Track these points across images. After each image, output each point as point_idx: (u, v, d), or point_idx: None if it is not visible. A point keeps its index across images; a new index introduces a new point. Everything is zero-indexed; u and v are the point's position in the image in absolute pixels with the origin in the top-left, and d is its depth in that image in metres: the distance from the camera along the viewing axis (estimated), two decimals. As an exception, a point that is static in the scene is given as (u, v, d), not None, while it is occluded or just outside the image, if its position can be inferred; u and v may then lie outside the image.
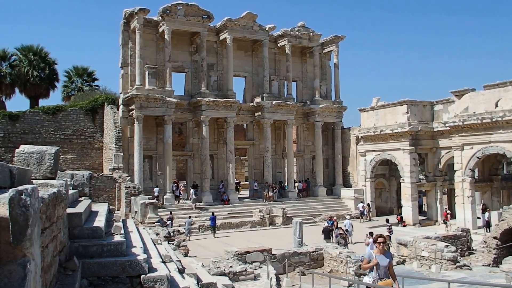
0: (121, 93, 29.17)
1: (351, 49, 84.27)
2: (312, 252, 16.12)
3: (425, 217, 30.12)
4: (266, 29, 31.95)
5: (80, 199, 8.60)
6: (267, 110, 31.37)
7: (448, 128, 27.58)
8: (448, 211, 27.75)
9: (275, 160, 33.57)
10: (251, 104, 32.32)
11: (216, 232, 24.66)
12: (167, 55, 28.45)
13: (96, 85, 39.53)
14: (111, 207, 15.55)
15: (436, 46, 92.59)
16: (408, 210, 29.06)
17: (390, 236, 19.93)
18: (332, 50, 35.59)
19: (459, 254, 16.40)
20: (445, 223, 26.36)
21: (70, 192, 6.82)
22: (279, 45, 33.83)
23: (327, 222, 22.07)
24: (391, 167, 32.72)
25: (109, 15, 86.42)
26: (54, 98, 74.03)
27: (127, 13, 28.18)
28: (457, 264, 15.28)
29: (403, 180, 29.51)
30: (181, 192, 29.66)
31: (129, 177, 25.86)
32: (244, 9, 31.39)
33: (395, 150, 30.02)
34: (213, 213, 25.36)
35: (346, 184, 34.52)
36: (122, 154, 27.70)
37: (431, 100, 30.30)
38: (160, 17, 28.67)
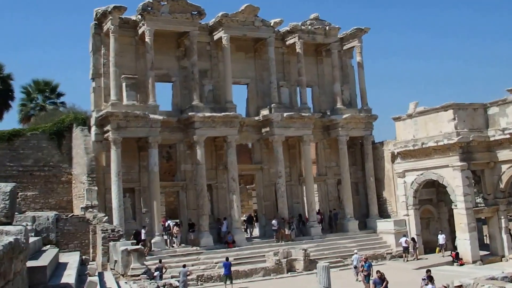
0: (93, 111, 29.22)
1: (377, 45, 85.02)
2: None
3: (488, 252, 29.49)
4: (271, 24, 32.18)
5: (44, 248, 8.39)
6: (277, 125, 31.27)
7: (508, 136, 27.19)
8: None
9: (291, 188, 33.30)
10: (256, 118, 32.27)
11: (219, 283, 24.19)
12: (149, 62, 28.60)
13: (62, 103, 39.87)
14: (84, 256, 15.28)
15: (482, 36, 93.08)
16: (465, 244, 28.45)
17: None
18: (354, 46, 35.72)
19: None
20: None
21: (31, 240, 6.62)
22: (287, 43, 34.00)
23: (363, 265, 21.56)
24: (439, 189, 32.29)
25: (76, 15, 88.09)
26: (9, 121, 74.53)
27: (99, 12, 28.53)
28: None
29: (456, 205, 29.03)
30: (174, 234, 29.33)
31: (106, 218, 25.61)
32: (242, 2, 31.59)
33: (442, 167, 29.67)
34: (227, 258, 25.08)
35: (383, 214, 34.09)
36: (96, 188, 27.51)
37: (484, 102, 30.11)
38: (139, 16, 28.99)
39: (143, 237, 27.04)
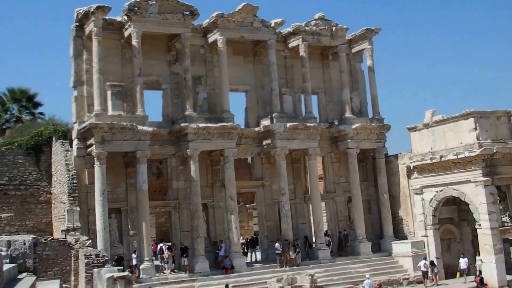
0: (75, 122, 29.24)
1: (389, 47, 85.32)
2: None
3: (516, 277, 29.28)
4: (272, 25, 32.39)
5: (20, 276, 8.35)
6: (279, 136, 31.30)
7: (537, 147, 27.16)
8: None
9: (296, 207, 33.25)
10: (256, 129, 32.33)
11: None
12: (137, 68, 28.72)
13: (40, 113, 39.89)
14: (65, 285, 15.21)
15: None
16: (490, 267, 28.30)
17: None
18: (364, 49, 35.95)
19: None
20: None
21: (6, 267, 6.59)
22: (290, 45, 34.19)
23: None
24: (461, 207, 32.25)
25: (56, 16, 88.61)
26: (-19, 134, 74.64)
27: (80, 13, 28.67)
28: None
29: (480, 225, 28.91)
30: (164, 259, 29.19)
31: (90, 241, 25.44)
32: (239, 1, 31.81)
33: (464, 183, 29.63)
34: (227, 286, 25.02)
35: (399, 235, 34.03)
36: (78, 209, 27.42)
37: (507, 109, 30.18)
38: (125, 17, 29.17)
39: (134, 262, 26.96)
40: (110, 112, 28.13)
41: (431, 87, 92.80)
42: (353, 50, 36.36)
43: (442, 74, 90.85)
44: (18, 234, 26.31)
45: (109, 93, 28.52)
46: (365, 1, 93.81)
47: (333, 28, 34.24)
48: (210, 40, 31.66)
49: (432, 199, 31.55)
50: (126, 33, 29.54)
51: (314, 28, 33.82)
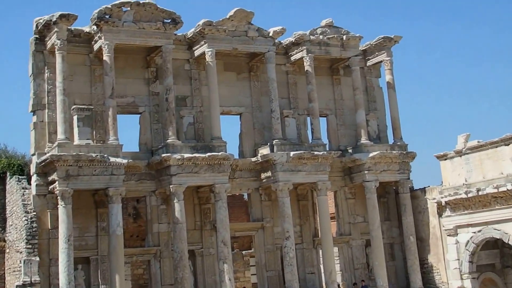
0: (33, 154, 29.20)
1: (410, 58, 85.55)
2: None
3: None
4: (270, 34, 32.60)
5: None
6: (282, 168, 31.23)
7: None
8: None
9: (302, 253, 33.11)
10: (253, 159, 32.31)
11: None
12: (109, 87, 28.75)
13: (-8, 144, 39.79)
14: None
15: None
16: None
17: None
18: (381, 61, 36.17)
19: None
20: None
21: None
22: (292, 58, 34.42)
23: None
24: (504, 251, 32.30)
25: (11, 27, 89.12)
26: None
27: (40, 23, 28.81)
28: None
29: (528, 272, 28.75)
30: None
31: (51, 299, 25.19)
32: (230, 8, 31.99)
33: (507, 221, 29.68)
34: None
35: (429, 286, 33.84)
36: (38, 259, 27.27)
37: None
38: (94, 27, 29.33)
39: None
40: (76, 141, 28.05)
41: (463, 106, 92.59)
42: (369, 63, 36.59)
43: (476, 91, 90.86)
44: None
45: (75, 118, 28.48)
46: (382, 4, 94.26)
47: (344, 37, 34.45)
48: (197, 53, 31.82)
49: (468, 241, 31.44)
50: (95, 46, 29.67)
51: (321, 37, 34.03)
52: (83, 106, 29.03)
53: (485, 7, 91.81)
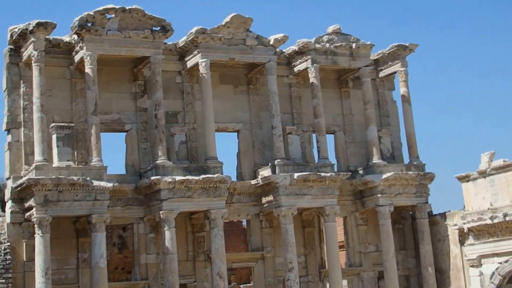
0: (8, 178, 29.28)
1: (428, 68, 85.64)
2: None
3: None
4: (271, 42, 32.69)
5: None
6: (285, 191, 31.20)
7: None
8: None
9: (308, 286, 33.06)
10: (253, 181, 32.30)
11: None
12: (92, 103, 28.74)
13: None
14: None
15: None
16: None
17: None
18: (395, 72, 36.23)
19: None
20: None
21: None
22: (296, 69, 34.53)
23: None
24: (533, 283, 31.90)
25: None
26: None
27: (16, 32, 28.88)
28: None
29: (560, 308, 28.62)
30: None
31: None
32: (225, 14, 32.09)
33: (536, 250, 29.60)
34: None
35: (450, 323, 33.72)
36: (11, 295, 27.07)
37: None
38: (75, 36, 29.39)
39: None
40: (56, 163, 28.02)
41: (487, 122, 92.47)
42: (381, 74, 36.68)
43: (500, 105, 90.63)
44: None
45: (54, 137, 28.43)
46: (395, 9, 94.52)
47: (353, 45, 34.54)
48: (189, 64, 31.91)
49: (494, 273, 31.29)
50: (76, 58, 29.71)
51: (328, 45, 34.10)
52: (63, 124, 28.98)
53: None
